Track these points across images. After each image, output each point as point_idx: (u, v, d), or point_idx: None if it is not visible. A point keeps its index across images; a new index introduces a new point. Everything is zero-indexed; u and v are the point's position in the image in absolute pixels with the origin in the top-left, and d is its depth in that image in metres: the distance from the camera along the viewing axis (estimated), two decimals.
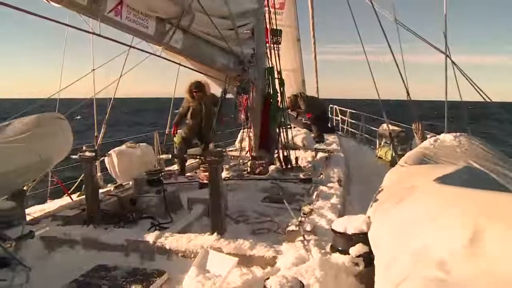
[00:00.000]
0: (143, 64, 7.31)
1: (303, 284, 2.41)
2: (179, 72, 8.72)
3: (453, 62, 5.09)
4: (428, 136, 5.43)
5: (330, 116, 15.13)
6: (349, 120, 14.75)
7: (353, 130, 14.43)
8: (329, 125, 12.63)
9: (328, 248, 3.23)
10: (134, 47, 4.98)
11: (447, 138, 4.38)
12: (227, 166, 7.42)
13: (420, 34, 6.34)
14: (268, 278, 2.41)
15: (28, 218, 4.51)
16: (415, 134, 5.64)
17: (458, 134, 4.44)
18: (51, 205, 5.26)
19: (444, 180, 2.87)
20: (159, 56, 5.09)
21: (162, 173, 6.28)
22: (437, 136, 4.52)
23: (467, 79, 5.10)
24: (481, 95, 5.03)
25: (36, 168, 4.54)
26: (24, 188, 4.79)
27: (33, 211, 4.92)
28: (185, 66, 6.12)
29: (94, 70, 6.69)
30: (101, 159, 6.57)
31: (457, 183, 2.74)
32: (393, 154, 8.60)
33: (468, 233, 1.90)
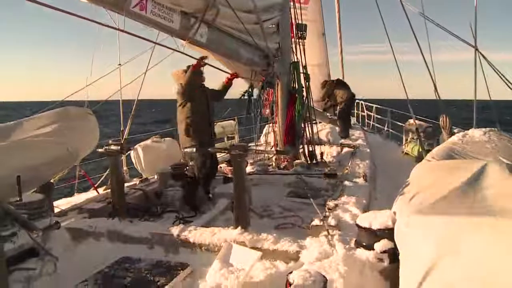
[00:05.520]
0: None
1: (326, 278, 2.38)
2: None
3: (483, 56, 4.92)
4: (456, 131, 5.29)
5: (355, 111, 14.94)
6: (375, 115, 14.55)
7: (379, 126, 14.24)
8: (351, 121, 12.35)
9: (352, 244, 3.19)
10: (159, 44, 5.01)
11: (476, 133, 4.26)
12: (251, 161, 7.41)
13: (443, 26, 6.12)
14: (291, 272, 2.39)
15: (56, 210, 4.61)
16: (442, 129, 5.49)
17: (487, 129, 4.31)
18: (78, 198, 5.37)
19: (470, 175, 2.80)
20: (183, 53, 5.07)
21: (187, 167, 6.32)
22: (466, 131, 4.40)
23: (497, 73, 4.92)
24: None
25: (64, 161, 4.61)
26: (52, 181, 4.89)
27: (61, 204, 5.02)
28: (210, 65, 6.10)
29: (120, 65, 6.73)
30: (127, 154, 6.64)
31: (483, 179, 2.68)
32: (420, 150, 8.45)
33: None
